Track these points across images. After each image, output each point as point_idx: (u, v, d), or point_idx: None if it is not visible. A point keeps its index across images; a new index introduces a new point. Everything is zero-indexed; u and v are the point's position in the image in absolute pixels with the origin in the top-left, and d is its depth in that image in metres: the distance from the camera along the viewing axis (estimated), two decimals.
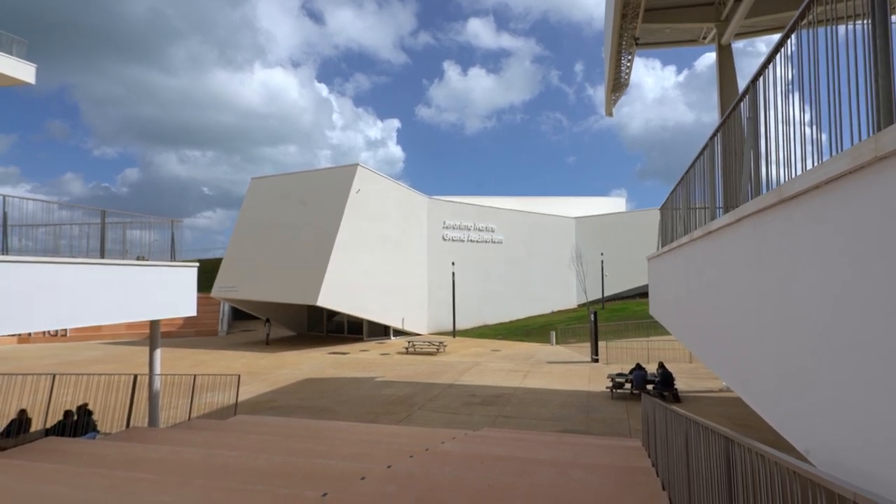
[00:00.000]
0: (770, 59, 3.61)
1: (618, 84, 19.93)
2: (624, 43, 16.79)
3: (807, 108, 3.17)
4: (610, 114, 22.52)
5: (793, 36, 3.17)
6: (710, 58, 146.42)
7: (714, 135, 5.38)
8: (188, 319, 37.24)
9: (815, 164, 2.72)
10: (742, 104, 4.34)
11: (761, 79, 3.79)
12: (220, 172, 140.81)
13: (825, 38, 2.78)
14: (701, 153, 6.29)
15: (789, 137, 3.34)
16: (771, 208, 2.85)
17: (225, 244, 50.34)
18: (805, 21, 2.95)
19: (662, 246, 9.69)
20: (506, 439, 11.27)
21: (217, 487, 5.92)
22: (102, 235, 10.88)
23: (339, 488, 5.99)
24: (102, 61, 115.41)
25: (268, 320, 34.95)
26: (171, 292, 12.17)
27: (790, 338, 2.88)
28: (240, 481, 6.43)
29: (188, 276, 12.66)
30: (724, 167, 5.17)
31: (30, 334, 34.43)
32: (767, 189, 3.73)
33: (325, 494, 5.60)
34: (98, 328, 35.76)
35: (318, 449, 9.23)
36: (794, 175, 3.08)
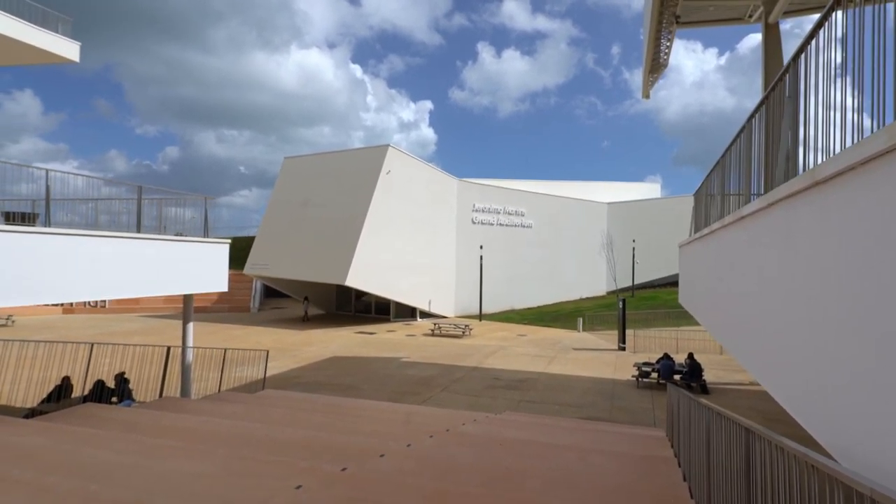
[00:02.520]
0: (813, 34, 3.39)
1: (656, 65, 19.23)
2: (664, 21, 16.14)
3: (850, 88, 2.98)
4: (647, 96, 21.80)
5: (839, 11, 2.96)
6: (754, 39, 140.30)
7: (752, 116, 5.13)
8: (222, 295, 38.34)
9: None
10: (782, 83, 4.11)
11: (803, 56, 3.57)
12: (257, 152, 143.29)
13: (873, 15, 2.58)
14: (738, 136, 6.02)
15: (830, 118, 3.14)
16: (803, 192, 2.69)
17: (259, 223, 51.38)
18: None
19: (694, 233, 9.40)
20: (526, 423, 11.26)
21: (240, 457, 6.09)
22: (139, 211, 11.21)
23: (358, 464, 6.08)
24: (145, 41, 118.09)
25: (306, 298, 36.02)
26: (203, 268, 12.49)
27: (821, 329, 2.74)
28: (262, 452, 6.60)
29: (220, 252, 12.96)
30: (762, 150, 4.95)
31: (73, 304, 36.05)
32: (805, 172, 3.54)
33: (344, 469, 5.70)
34: (136, 301, 37.16)
35: (340, 425, 9.41)
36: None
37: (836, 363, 2.49)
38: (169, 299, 37.17)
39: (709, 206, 8.42)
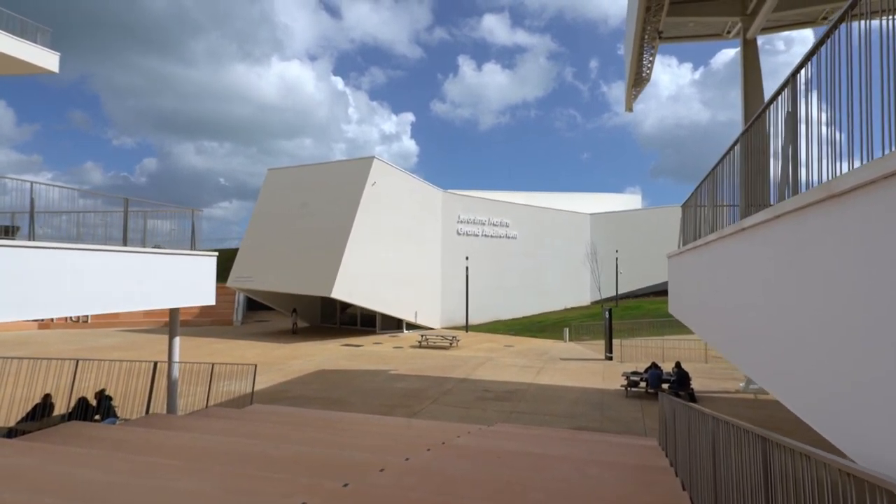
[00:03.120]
0: (814, 51, 3.50)
1: (639, 79, 19.66)
2: (647, 37, 16.54)
3: (856, 103, 3.08)
4: (630, 109, 22.24)
5: (842, 27, 3.07)
6: (727, 55, 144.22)
7: (747, 129, 5.26)
8: (204, 309, 37.70)
9: (864, 161, 2.63)
10: (779, 99, 4.23)
11: (803, 72, 3.69)
12: (237, 164, 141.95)
13: (880, 30, 2.67)
14: (731, 149, 6.16)
15: (831, 134, 3.25)
16: (817, 204, 2.76)
17: (240, 235, 50.73)
18: (855, 11, 2.85)
19: (685, 244, 9.56)
20: (520, 435, 11.24)
21: (237, 474, 5.97)
22: (125, 224, 11.00)
23: (359, 479, 6.00)
24: (124, 52, 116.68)
25: (295, 310, 35.83)
26: (190, 281, 12.29)
27: (833, 338, 2.80)
28: (259, 469, 6.48)
29: (208, 264, 12.78)
30: (756, 163, 5.07)
31: (52, 320, 35.09)
32: (807, 186, 3.64)
33: (346, 485, 5.62)
34: (116, 315, 36.34)
35: (335, 440, 9.28)
36: (839, 172, 2.99)
37: (854, 370, 2.55)
38: (149, 313, 36.41)
39: (699, 218, 8.57)
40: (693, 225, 9.18)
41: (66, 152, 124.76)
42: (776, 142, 4.34)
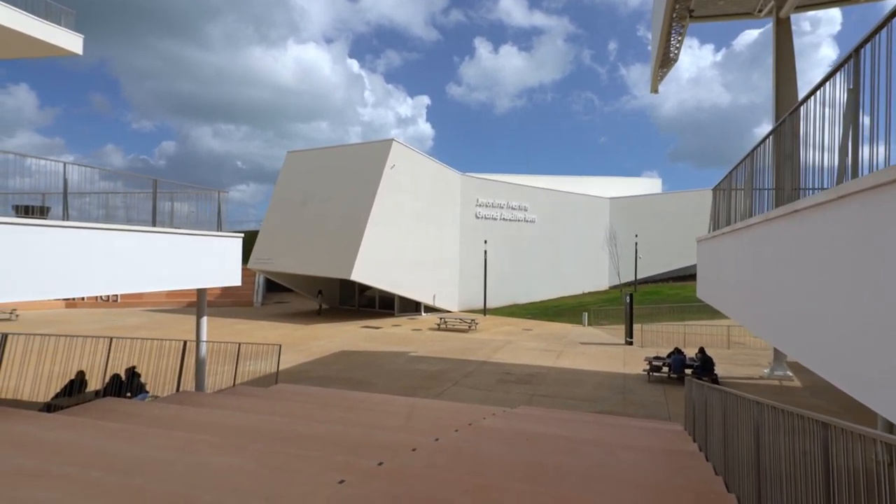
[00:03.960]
0: (884, 24, 3.33)
1: (666, 59, 19.16)
2: (676, 15, 16.07)
3: None
4: (656, 90, 21.73)
5: None
6: (750, 36, 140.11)
7: (797, 108, 5.08)
8: (225, 290, 38.29)
9: None
10: (839, 75, 4.06)
11: (869, 45, 3.52)
12: (254, 147, 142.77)
13: None
14: (775, 129, 5.97)
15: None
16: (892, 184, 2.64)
17: (257, 217, 51.24)
18: None
19: (718, 227, 9.36)
20: (546, 418, 11.26)
21: (274, 451, 6.05)
22: (154, 204, 11.12)
23: (392, 458, 6.05)
24: (142, 36, 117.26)
25: (320, 292, 36.38)
26: (217, 262, 12.41)
27: None
28: (294, 447, 6.57)
29: (234, 246, 12.89)
30: (814, 143, 4.90)
31: (83, 299, 35.93)
32: (870, 166, 3.50)
33: (380, 463, 5.67)
34: (140, 295, 37.10)
35: (362, 419, 9.38)
36: None
37: None
38: (172, 294, 37.07)
39: (736, 201, 8.37)
40: (729, 208, 8.97)
41: (86, 135, 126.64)
42: (830, 123, 4.19)
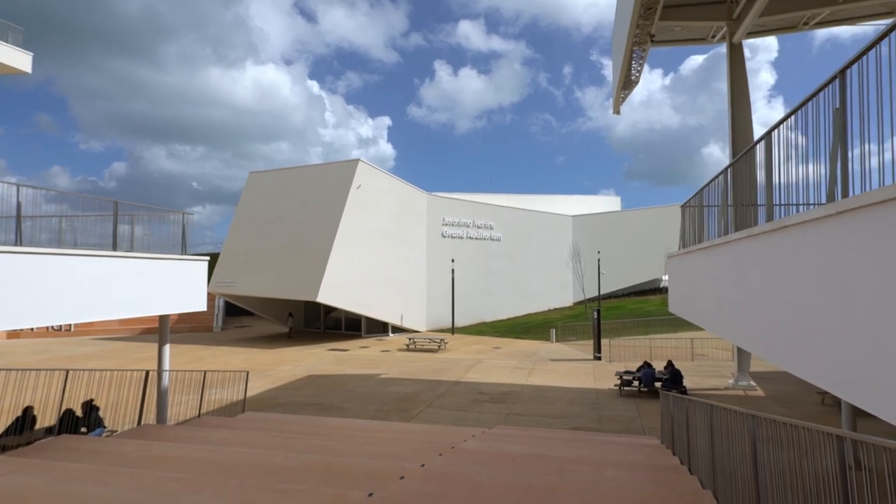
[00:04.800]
0: (869, 48, 3.48)
1: (628, 82, 19.86)
2: (638, 40, 16.70)
3: None
4: (618, 112, 22.45)
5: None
6: (695, 61, 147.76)
7: (775, 127, 5.26)
8: (183, 315, 36.73)
9: None
10: (822, 95, 4.22)
11: (855, 66, 3.67)
12: (211, 168, 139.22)
13: None
14: (752, 147, 6.18)
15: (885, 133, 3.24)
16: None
17: (214, 239, 49.79)
18: None
19: (690, 243, 9.60)
20: (525, 437, 11.16)
21: (255, 487, 5.72)
22: (115, 228, 10.58)
23: (381, 487, 5.81)
24: (93, 55, 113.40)
25: (290, 314, 35.62)
26: (183, 286, 11.90)
27: None
28: (274, 480, 6.24)
29: (200, 269, 12.41)
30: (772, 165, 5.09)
31: (31, 329, 33.71)
32: (862, 184, 3.63)
33: (370, 494, 5.43)
34: (91, 323, 35.14)
35: (340, 447, 9.04)
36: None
37: None
38: (124, 321, 35.30)
39: (707, 219, 8.61)
40: (698, 226, 9.22)
41: (31, 156, 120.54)
42: (816, 140, 4.33)
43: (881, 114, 3.27)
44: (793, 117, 4.84)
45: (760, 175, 5.67)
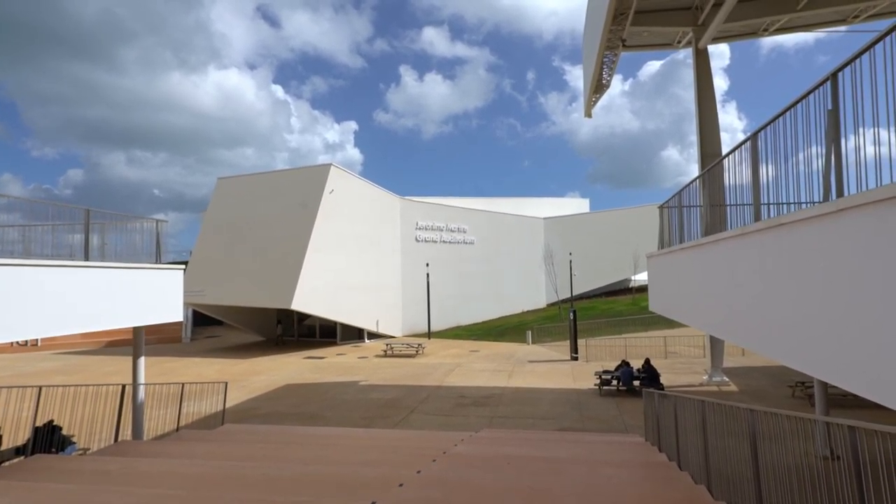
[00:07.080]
0: (863, 51, 3.64)
1: (599, 86, 20.27)
2: (609, 45, 17.07)
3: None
4: (589, 115, 22.87)
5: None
6: (653, 67, 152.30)
7: (763, 128, 5.44)
8: (150, 326, 35.54)
9: None
10: (813, 97, 4.38)
11: (848, 69, 3.83)
12: (173, 174, 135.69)
13: None
14: (737, 147, 6.37)
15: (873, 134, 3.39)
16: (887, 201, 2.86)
17: (177, 248, 48.60)
18: None
19: (671, 243, 9.83)
20: (515, 439, 11.20)
21: (255, 500, 5.57)
22: (87, 236, 10.19)
23: (383, 496, 5.74)
24: (47, 59, 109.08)
25: (279, 321, 35.59)
26: (158, 296, 11.53)
27: None
28: (272, 493, 6.08)
29: (175, 278, 12.05)
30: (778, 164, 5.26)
31: None
32: (857, 183, 3.78)
33: (373, 503, 5.35)
34: (54, 337, 33.65)
35: (333, 456, 8.90)
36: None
37: None
38: (87, 334, 33.94)
39: (690, 218, 8.82)
40: (679, 226, 9.45)
41: None
42: (807, 142, 4.49)
43: (876, 114, 3.41)
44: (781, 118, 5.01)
45: (747, 174, 5.85)
